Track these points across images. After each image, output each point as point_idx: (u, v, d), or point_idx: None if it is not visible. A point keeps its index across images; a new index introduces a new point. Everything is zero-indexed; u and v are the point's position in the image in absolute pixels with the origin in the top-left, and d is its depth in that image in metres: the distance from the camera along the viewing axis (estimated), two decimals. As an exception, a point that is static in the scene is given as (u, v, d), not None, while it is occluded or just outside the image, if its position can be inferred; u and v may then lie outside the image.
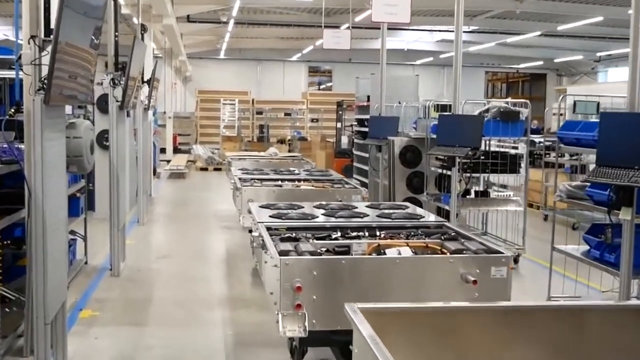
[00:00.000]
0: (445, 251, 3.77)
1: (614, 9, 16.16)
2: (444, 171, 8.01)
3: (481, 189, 8.32)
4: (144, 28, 9.76)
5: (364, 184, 11.03)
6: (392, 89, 10.98)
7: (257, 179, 7.46)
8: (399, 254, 3.67)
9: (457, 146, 7.13)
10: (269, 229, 4.30)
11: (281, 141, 22.12)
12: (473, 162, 7.50)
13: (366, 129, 11.21)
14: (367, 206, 5.38)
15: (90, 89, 4.29)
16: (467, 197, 7.95)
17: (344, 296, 3.42)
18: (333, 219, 4.68)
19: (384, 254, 3.72)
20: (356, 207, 5.19)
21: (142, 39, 9.24)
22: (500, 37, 20.99)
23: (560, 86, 28.12)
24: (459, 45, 7.33)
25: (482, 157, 7.64)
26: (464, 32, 7.02)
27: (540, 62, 27.68)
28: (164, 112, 21.65)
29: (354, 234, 4.24)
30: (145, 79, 10.08)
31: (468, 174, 7.62)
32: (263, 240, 3.97)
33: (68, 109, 6.82)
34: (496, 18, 18.07)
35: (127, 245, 7.72)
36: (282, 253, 3.54)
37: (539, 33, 19.63)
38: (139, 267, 7.40)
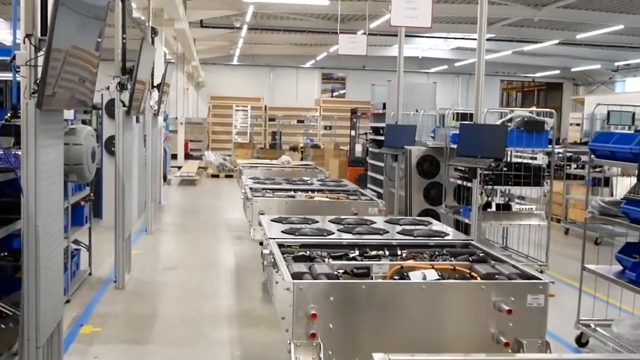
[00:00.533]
0: (475, 275, 3.43)
1: (635, 17, 15.74)
2: (464, 182, 7.66)
3: (502, 201, 7.97)
4: (154, 31, 9.52)
5: (378, 195, 10.69)
6: (408, 97, 10.69)
7: (269, 189, 7.14)
8: (424, 277, 3.33)
9: (479, 157, 6.81)
10: (281, 245, 3.97)
11: (294, 148, 21.84)
12: (495, 173, 7.16)
13: (382, 138, 10.90)
14: (385, 221, 5.04)
15: (91, 92, 4.01)
16: (488, 210, 7.60)
17: (364, 325, 3.10)
18: (350, 236, 4.35)
19: (408, 277, 3.38)
20: (374, 222, 4.86)
21: (153, 42, 8.99)
22: (517, 45, 20.61)
23: (577, 96, 27.67)
24: (481, 53, 7.02)
25: (505, 169, 7.30)
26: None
27: (557, 71, 27.28)
28: (176, 118, 21.47)
29: (374, 253, 3.90)
30: (155, 84, 9.82)
31: (489, 186, 7.28)
32: (274, 258, 3.65)
33: (69, 113, 6.54)
34: (513, 26, 17.72)
35: (134, 256, 7.45)
36: (296, 276, 3.21)
37: (557, 41, 19.24)
38: (145, 279, 7.12)
